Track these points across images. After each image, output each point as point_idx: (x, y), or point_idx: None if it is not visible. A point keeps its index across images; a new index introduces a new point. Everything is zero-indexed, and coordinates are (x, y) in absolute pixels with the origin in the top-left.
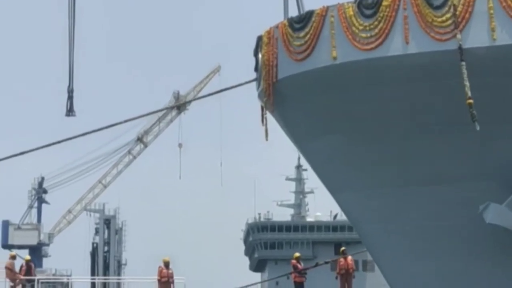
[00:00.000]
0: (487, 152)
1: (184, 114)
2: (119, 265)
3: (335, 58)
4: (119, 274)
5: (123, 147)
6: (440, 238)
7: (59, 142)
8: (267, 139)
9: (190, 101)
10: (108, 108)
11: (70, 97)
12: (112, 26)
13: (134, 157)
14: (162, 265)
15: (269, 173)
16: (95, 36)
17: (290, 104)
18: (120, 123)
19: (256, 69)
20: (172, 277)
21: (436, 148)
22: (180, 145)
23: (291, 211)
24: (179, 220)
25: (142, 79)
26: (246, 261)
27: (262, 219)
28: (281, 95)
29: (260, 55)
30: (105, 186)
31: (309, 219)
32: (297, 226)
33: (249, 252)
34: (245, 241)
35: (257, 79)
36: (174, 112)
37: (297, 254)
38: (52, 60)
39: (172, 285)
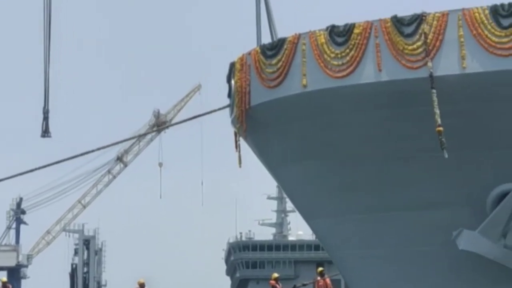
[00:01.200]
0: (460, 179)
1: (165, 133)
2: (99, 286)
3: (305, 86)
4: None
5: (103, 167)
6: (415, 264)
7: (31, 170)
8: (240, 166)
9: (167, 126)
10: (87, 127)
11: (46, 118)
12: (90, 43)
13: (114, 177)
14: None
15: (251, 192)
16: (72, 55)
17: (263, 130)
18: (93, 150)
19: (229, 95)
20: None
21: (410, 174)
22: (160, 164)
23: (273, 230)
24: (160, 240)
25: (121, 97)
26: (227, 281)
27: (243, 239)
28: (254, 122)
29: (233, 82)
30: (84, 206)
31: (291, 238)
32: (279, 245)
33: (230, 272)
34: (227, 260)
35: (230, 105)
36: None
37: (275, 275)
38: (28, 80)
39: None
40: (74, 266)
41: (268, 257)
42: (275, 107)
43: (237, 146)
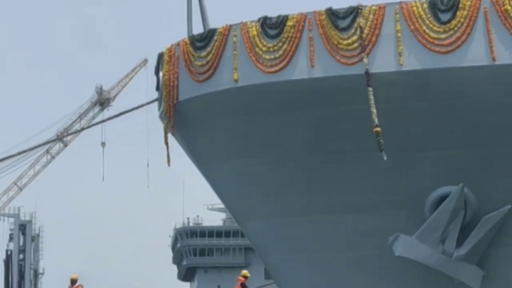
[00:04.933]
0: (397, 181)
1: (108, 110)
2: (36, 275)
3: (236, 81)
4: (35, 285)
5: (41, 146)
6: (350, 270)
7: None
8: (169, 164)
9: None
10: (27, 103)
11: None
12: (28, 10)
13: (53, 157)
14: (68, 283)
15: (199, 174)
16: (7, 22)
17: (192, 127)
18: (14, 155)
19: (157, 88)
20: None
21: (345, 176)
22: (103, 144)
23: (223, 215)
24: (102, 226)
25: (62, 72)
26: (174, 270)
27: (191, 224)
28: (183, 118)
29: (161, 74)
30: (20, 189)
31: None
32: (228, 231)
33: (177, 259)
34: (173, 248)
35: (158, 99)
36: (96, 109)
37: (246, 272)
38: None
39: None
40: (9, 252)
41: (217, 244)
42: (204, 103)
43: (166, 142)
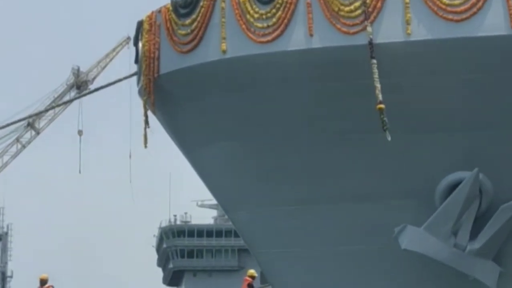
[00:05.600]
0: (405, 165)
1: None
2: (4, 278)
3: (224, 52)
4: None
5: (10, 134)
6: (352, 265)
7: None
8: (146, 146)
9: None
10: None
11: None
12: None
13: (24, 146)
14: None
15: (189, 167)
16: None
17: (174, 104)
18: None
19: (136, 61)
20: None
21: (348, 160)
22: (80, 132)
23: (214, 213)
24: (79, 223)
25: (35, 51)
26: (159, 273)
27: (178, 222)
28: (164, 93)
29: (140, 45)
30: None
31: None
32: (220, 231)
33: (162, 262)
34: (158, 249)
35: (137, 73)
36: (73, 92)
37: (253, 272)
38: None
39: None
40: None
41: (207, 244)
42: (188, 77)
43: (146, 121)
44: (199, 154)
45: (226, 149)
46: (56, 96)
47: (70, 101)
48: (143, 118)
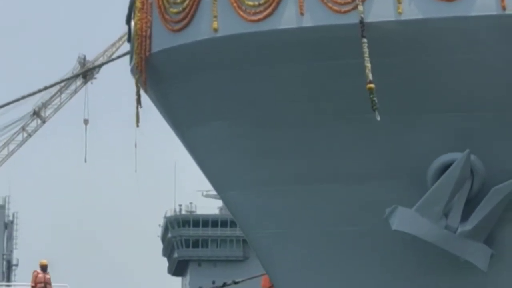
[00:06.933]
0: (396, 146)
1: (92, 83)
2: (9, 266)
3: (216, 30)
4: (8, 277)
5: (16, 123)
6: (344, 245)
7: None
8: (137, 125)
9: (95, 67)
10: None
11: None
12: None
13: (29, 135)
14: (38, 269)
15: None
16: None
17: (167, 83)
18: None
19: (129, 40)
20: (49, 283)
21: (339, 140)
22: (86, 121)
23: (219, 203)
24: (84, 212)
25: (41, 39)
26: (164, 263)
27: (183, 212)
28: (156, 72)
29: (132, 23)
30: None
31: None
32: (225, 221)
33: (167, 252)
34: (163, 238)
35: (130, 52)
36: (79, 81)
37: None
38: None
39: None
40: None
41: (212, 234)
42: (180, 55)
43: (138, 100)
44: (191, 134)
45: (217, 128)
46: (62, 85)
47: (74, 76)
48: (135, 97)
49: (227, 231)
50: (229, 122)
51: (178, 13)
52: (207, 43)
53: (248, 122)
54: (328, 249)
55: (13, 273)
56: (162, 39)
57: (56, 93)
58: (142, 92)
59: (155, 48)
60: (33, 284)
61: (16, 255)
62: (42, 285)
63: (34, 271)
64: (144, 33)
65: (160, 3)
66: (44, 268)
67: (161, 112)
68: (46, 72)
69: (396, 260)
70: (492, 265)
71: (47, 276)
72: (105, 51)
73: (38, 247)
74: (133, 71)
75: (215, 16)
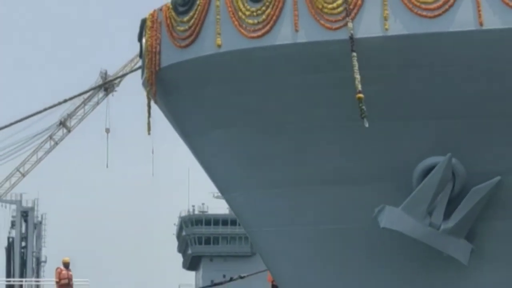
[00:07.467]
0: (384, 151)
1: (113, 96)
2: (38, 263)
3: (219, 46)
4: (37, 273)
5: (44, 132)
6: (335, 242)
7: None
8: (149, 133)
9: (114, 79)
10: (28, 90)
11: None
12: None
13: (56, 143)
14: (61, 266)
15: None
16: (13, 13)
17: (175, 94)
18: (36, 113)
19: (141, 56)
20: (71, 279)
21: (332, 145)
22: (107, 130)
23: None
24: (106, 214)
25: (65, 56)
26: (179, 258)
27: (196, 212)
28: (165, 85)
29: (144, 41)
30: (23, 175)
31: None
32: (234, 220)
33: (182, 248)
34: (178, 236)
35: (142, 67)
36: (101, 94)
37: None
38: None
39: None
40: (10, 240)
41: (222, 232)
42: (186, 69)
43: (149, 110)
44: (197, 141)
45: (221, 136)
46: (86, 97)
47: (97, 87)
48: (146, 107)
49: (236, 229)
50: (232, 130)
51: (185, 31)
52: (211, 58)
53: (249, 130)
54: (323, 245)
55: (41, 269)
56: (170, 55)
57: (80, 105)
58: (152, 103)
59: (164, 63)
60: (57, 280)
61: (44, 252)
62: (66, 281)
63: (57, 268)
64: (154, 50)
65: (168, 22)
66: (66, 265)
67: (170, 121)
68: (71, 86)
69: (384, 255)
70: (472, 259)
71: (70, 273)
72: (124, 66)
73: (64, 245)
74: (144, 84)
75: (219, 34)
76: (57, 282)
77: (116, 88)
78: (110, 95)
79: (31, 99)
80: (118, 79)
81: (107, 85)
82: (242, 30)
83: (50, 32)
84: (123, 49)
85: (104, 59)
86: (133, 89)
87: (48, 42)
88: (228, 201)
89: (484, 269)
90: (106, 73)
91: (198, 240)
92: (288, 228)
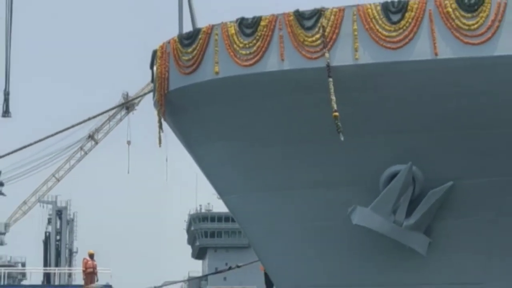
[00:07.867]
0: (356, 160)
1: (133, 114)
2: (71, 253)
3: (217, 73)
4: (70, 262)
5: (75, 144)
6: (318, 237)
7: (20, 149)
8: (160, 145)
9: (134, 99)
10: (63, 108)
11: (6, 99)
12: (56, 25)
13: (86, 153)
14: (87, 257)
15: None
16: (37, 35)
17: (181, 113)
18: (71, 127)
19: (152, 80)
20: (96, 268)
21: (311, 156)
22: (128, 142)
23: None
24: (127, 212)
25: (91, 80)
26: (189, 249)
27: (203, 210)
28: (173, 105)
29: (155, 68)
30: (58, 180)
31: None
32: None
33: (191, 240)
34: (188, 230)
35: (153, 90)
36: (123, 112)
37: None
38: None
39: (95, 276)
40: (47, 234)
41: (225, 227)
42: (190, 92)
43: (160, 126)
44: (199, 151)
45: (219, 148)
46: (110, 115)
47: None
48: (157, 124)
49: (236, 225)
50: (229, 143)
51: (189, 60)
52: (211, 83)
53: (243, 143)
54: (306, 240)
55: (73, 259)
56: (177, 80)
57: (105, 121)
58: (162, 120)
59: (171, 87)
60: (83, 269)
61: (76, 244)
62: (91, 269)
63: (84, 259)
64: (163, 76)
65: (175, 52)
66: (91, 256)
67: (176, 135)
68: (98, 105)
69: (358, 247)
70: (429, 251)
71: (94, 263)
72: (143, 88)
73: (92, 238)
74: (155, 105)
75: (217, 62)
76: (83, 271)
77: (136, 107)
78: (131, 113)
79: (64, 116)
80: (138, 99)
81: (128, 104)
82: (237, 60)
83: (80, 58)
84: (141, 75)
85: (125, 83)
86: (150, 108)
87: (78, 67)
88: (225, 202)
89: (440, 259)
90: (127, 94)
91: (204, 234)
92: (275, 225)
